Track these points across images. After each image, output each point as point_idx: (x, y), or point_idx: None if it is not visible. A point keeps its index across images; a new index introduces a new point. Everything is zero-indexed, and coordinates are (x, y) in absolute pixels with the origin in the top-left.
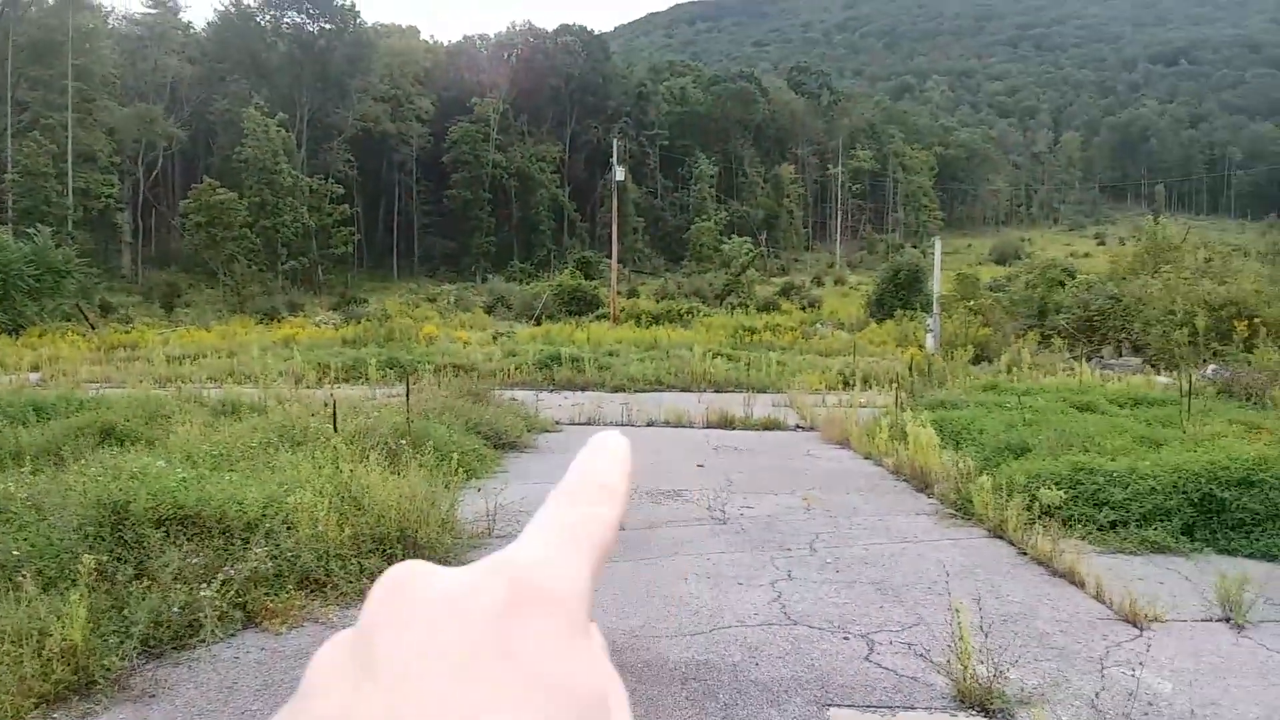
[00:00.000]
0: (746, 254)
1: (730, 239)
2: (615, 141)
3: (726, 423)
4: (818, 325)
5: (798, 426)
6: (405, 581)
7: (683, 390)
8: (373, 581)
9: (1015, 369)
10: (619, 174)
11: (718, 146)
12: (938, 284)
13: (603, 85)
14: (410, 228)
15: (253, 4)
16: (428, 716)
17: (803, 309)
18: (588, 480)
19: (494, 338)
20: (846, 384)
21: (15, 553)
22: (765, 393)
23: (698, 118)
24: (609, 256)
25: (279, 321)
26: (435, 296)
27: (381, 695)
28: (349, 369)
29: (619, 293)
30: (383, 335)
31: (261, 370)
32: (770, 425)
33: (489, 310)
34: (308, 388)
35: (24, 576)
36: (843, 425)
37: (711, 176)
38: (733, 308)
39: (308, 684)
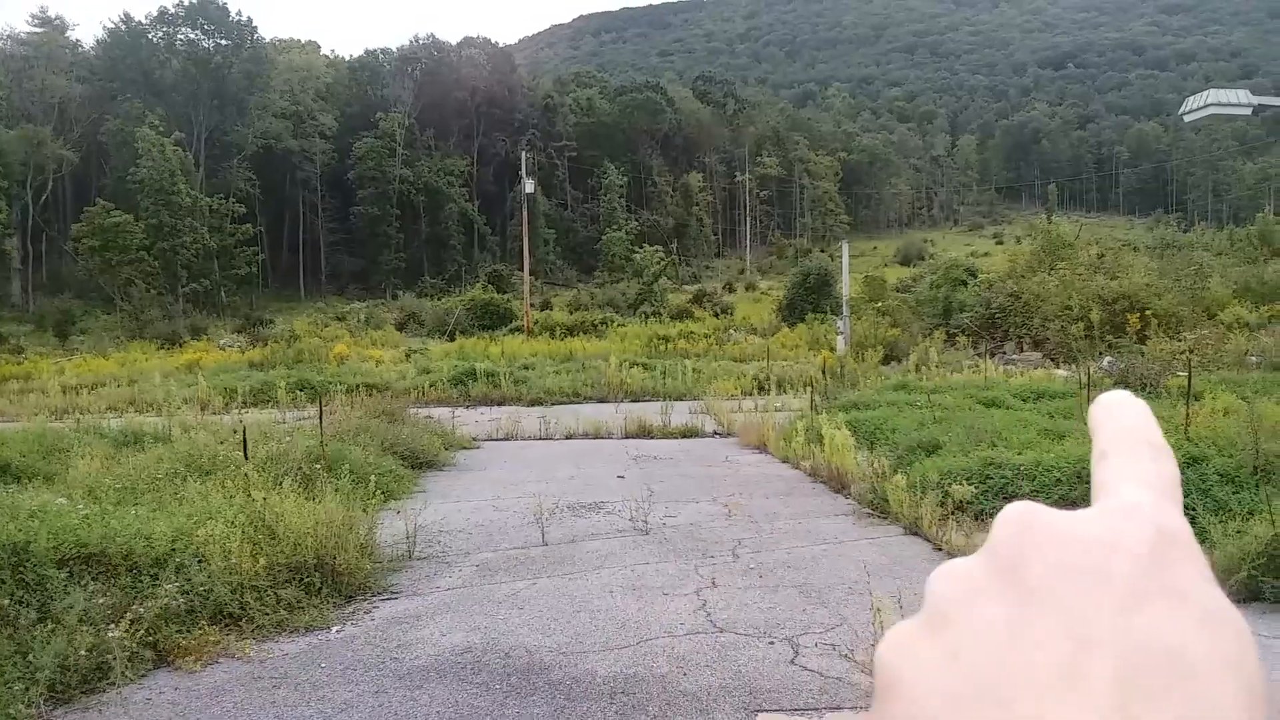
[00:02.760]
0: (658, 263)
1: (641, 248)
2: (523, 154)
3: (645, 432)
4: (730, 331)
5: (715, 433)
6: (1035, 517)
7: (600, 401)
8: (290, 612)
9: (924, 368)
10: (528, 186)
11: (626, 156)
12: (846, 287)
13: (509, 97)
14: (316, 246)
15: (144, 21)
16: (1121, 646)
17: (715, 316)
18: (1137, 439)
19: (407, 355)
20: (761, 388)
21: None
22: (682, 400)
23: (605, 128)
24: (521, 269)
25: (181, 346)
26: (345, 315)
27: (1050, 618)
28: (257, 393)
29: (532, 305)
30: (291, 357)
31: (165, 398)
32: (689, 433)
33: (400, 327)
34: (214, 414)
35: None
36: (760, 430)
37: (621, 186)
38: (646, 317)
39: (942, 604)
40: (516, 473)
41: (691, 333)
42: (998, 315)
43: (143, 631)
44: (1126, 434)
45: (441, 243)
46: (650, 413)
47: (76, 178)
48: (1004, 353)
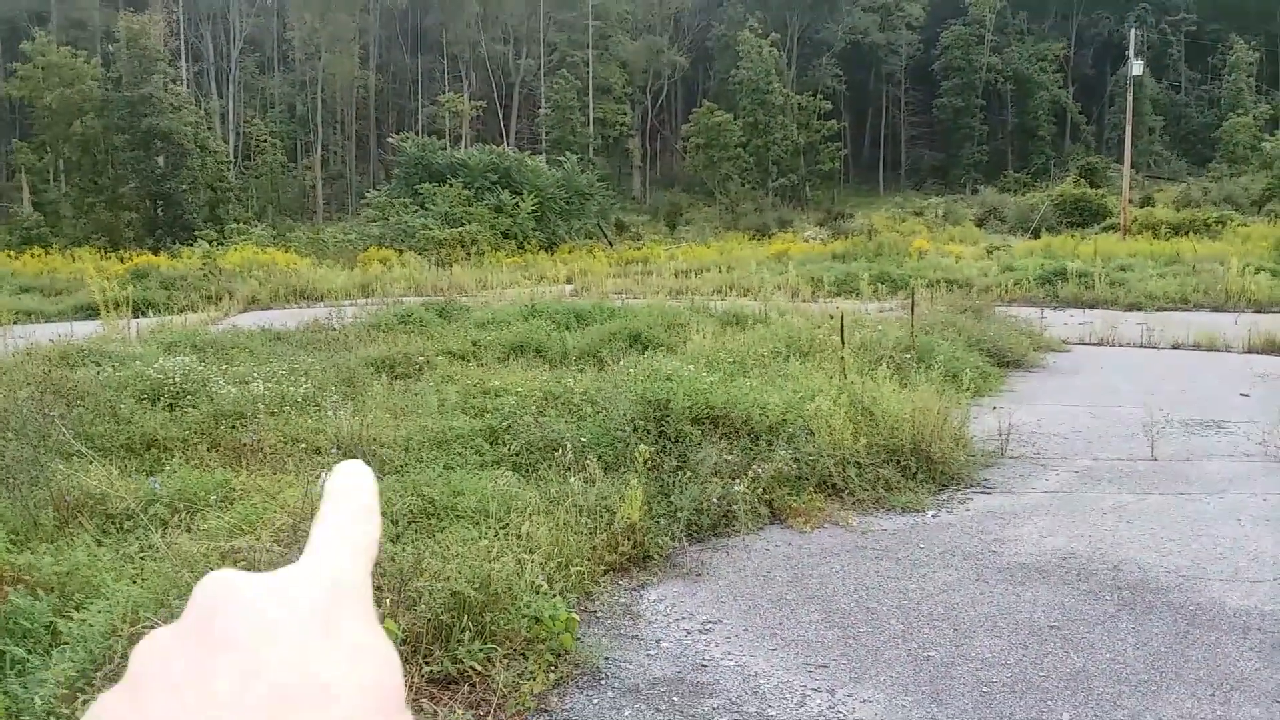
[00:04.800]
0: None
1: (1274, 135)
2: (1131, 31)
3: (1274, 347)
4: None
5: None
6: (229, 581)
7: (1214, 310)
8: (887, 490)
9: None
10: (1135, 68)
11: (1260, 28)
12: None
13: None
14: (897, 140)
15: None
16: (278, 678)
17: None
18: (352, 504)
19: (988, 252)
20: None
21: (583, 439)
22: None
23: None
24: (1118, 161)
25: (769, 237)
26: (922, 210)
27: (227, 662)
28: (840, 283)
29: (1130, 201)
30: (871, 250)
31: (759, 284)
32: None
33: (980, 223)
34: (803, 301)
35: (589, 460)
36: None
37: (1250, 64)
38: (1275, 216)
39: (136, 668)
40: (1114, 380)
41: None
42: None
43: (760, 489)
44: (344, 500)
45: (1028, 134)
46: None
47: (686, 82)
48: None
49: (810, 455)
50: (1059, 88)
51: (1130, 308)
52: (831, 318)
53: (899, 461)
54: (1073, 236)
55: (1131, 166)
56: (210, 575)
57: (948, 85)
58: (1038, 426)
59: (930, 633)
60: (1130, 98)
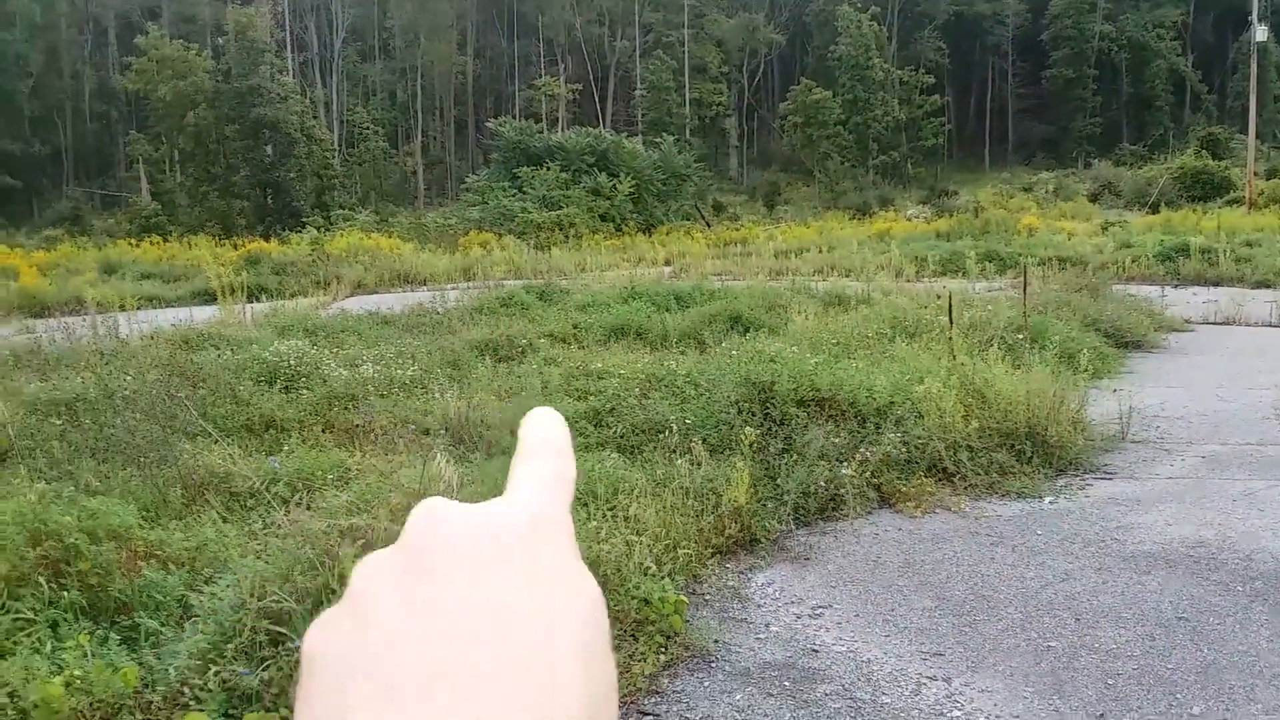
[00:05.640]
0: None
1: None
2: None
3: None
4: None
5: None
6: (441, 511)
7: None
8: (1001, 475)
9: None
10: (1259, 33)
11: None
12: None
13: None
14: (1003, 113)
15: None
16: (482, 601)
17: None
18: (547, 444)
19: (1103, 228)
20: None
21: (688, 421)
22: None
23: None
24: (1242, 132)
25: (871, 216)
26: (1031, 186)
27: (434, 589)
28: (945, 262)
29: (1256, 173)
30: (978, 228)
31: (860, 264)
32: None
33: (1093, 199)
34: (907, 281)
35: (694, 443)
36: None
37: None
38: None
39: (357, 590)
40: (1242, 361)
41: None
42: None
43: (868, 473)
44: (539, 442)
45: (1144, 104)
46: None
47: (783, 59)
48: None
49: (919, 438)
50: (1177, 55)
51: (1258, 285)
52: (939, 297)
53: (1013, 445)
54: (1194, 211)
55: (1257, 137)
56: (423, 502)
57: (1058, 55)
58: (1160, 409)
59: (1050, 622)
60: (1254, 65)
